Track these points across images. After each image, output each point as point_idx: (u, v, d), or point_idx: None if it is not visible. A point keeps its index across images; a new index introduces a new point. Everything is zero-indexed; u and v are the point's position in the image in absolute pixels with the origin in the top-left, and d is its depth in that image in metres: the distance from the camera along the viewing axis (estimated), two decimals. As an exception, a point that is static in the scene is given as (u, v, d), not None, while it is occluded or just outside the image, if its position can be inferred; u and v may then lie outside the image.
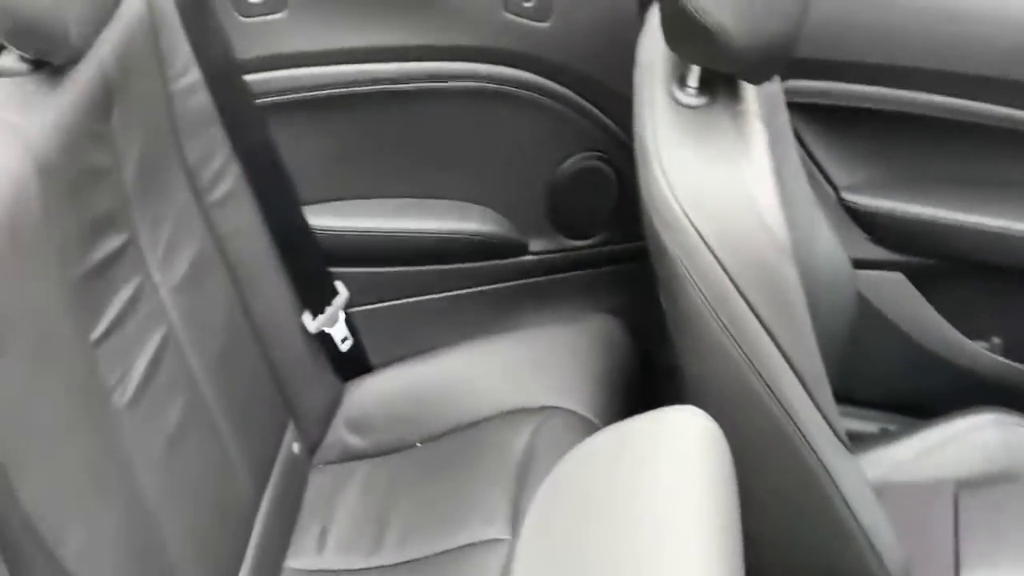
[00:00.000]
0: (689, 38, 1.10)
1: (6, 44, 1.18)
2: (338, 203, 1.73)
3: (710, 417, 1.01)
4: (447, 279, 1.80)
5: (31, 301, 1.14)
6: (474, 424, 1.71)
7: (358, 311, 1.78)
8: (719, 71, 1.14)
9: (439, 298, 1.82)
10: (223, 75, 1.50)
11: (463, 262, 1.79)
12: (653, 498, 0.92)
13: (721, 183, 1.10)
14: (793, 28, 1.09)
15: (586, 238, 1.82)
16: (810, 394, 1.14)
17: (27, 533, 1.10)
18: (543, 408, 1.69)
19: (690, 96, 1.17)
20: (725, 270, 1.08)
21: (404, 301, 1.82)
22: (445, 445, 1.71)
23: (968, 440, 1.59)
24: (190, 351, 1.43)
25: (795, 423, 1.14)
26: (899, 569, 1.26)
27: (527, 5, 1.57)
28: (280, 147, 1.61)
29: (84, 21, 1.18)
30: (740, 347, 1.11)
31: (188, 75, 1.45)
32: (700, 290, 1.10)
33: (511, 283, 1.83)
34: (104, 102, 1.28)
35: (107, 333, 1.27)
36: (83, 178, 1.24)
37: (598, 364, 1.81)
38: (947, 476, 1.54)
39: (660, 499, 0.91)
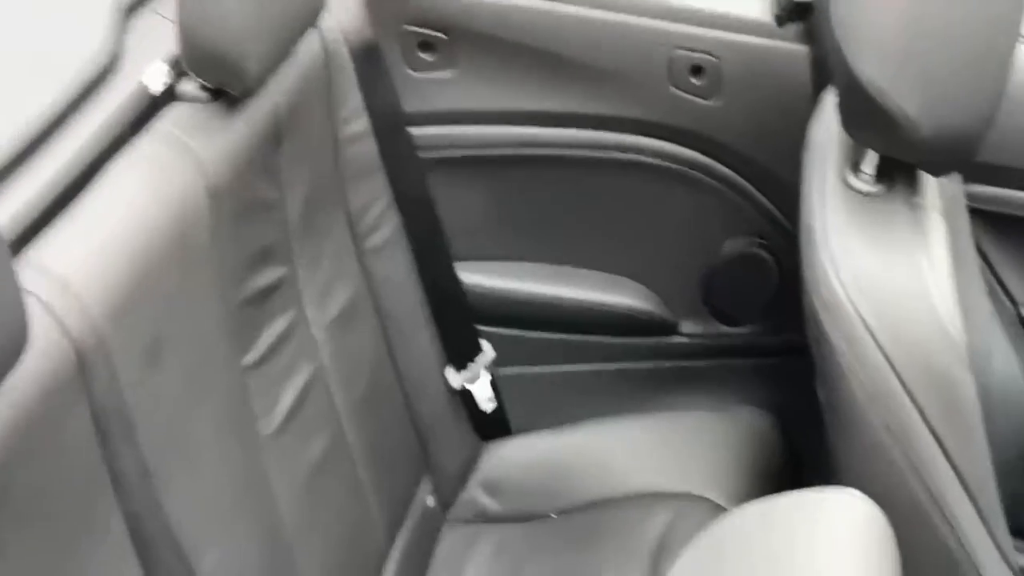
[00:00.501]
0: (868, 122, 1.06)
1: (188, 72, 1.23)
2: (490, 262, 1.74)
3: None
4: (593, 351, 1.78)
5: (192, 320, 1.17)
6: (610, 502, 1.67)
7: (502, 373, 1.78)
8: (898, 159, 1.09)
9: (584, 370, 1.80)
10: (390, 126, 1.54)
11: (611, 336, 1.77)
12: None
13: (894, 274, 1.05)
14: (983, 124, 1.03)
15: (740, 325, 1.77)
16: (982, 516, 1.06)
17: (168, 544, 1.11)
18: (681, 495, 1.64)
19: (865, 182, 1.12)
20: (892, 365, 1.02)
21: (548, 369, 1.81)
22: (579, 519, 1.67)
23: None
24: (336, 390, 1.45)
25: (963, 545, 1.06)
26: None
27: (695, 82, 1.55)
28: (438, 201, 1.63)
29: (263, 57, 1.22)
30: (903, 450, 1.04)
31: (356, 123, 1.49)
32: (862, 383, 1.04)
33: (658, 363, 1.79)
34: (275, 137, 1.32)
35: (259, 361, 1.30)
36: (250, 208, 1.28)
37: (743, 457, 1.74)
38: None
39: None
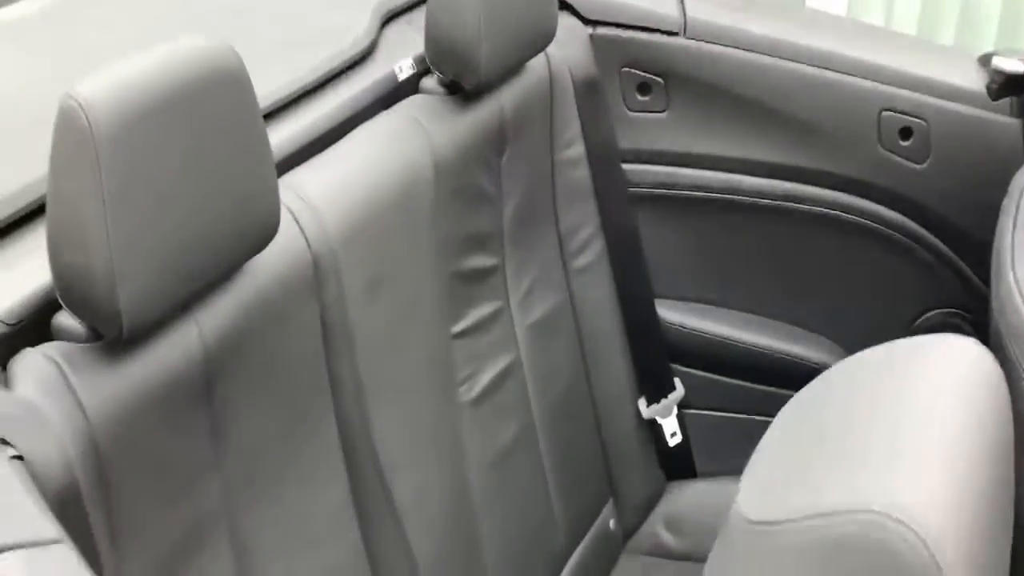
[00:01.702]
0: None
1: (431, 67, 1.43)
2: (686, 303, 1.79)
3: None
4: (780, 403, 1.79)
5: (409, 271, 1.33)
6: None
7: (691, 413, 1.82)
8: None
9: (767, 421, 1.81)
10: (603, 157, 1.64)
11: (792, 388, 1.77)
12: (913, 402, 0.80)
13: None
14: None
15: None
16: None
17: (370, 456, 1.24)
18: None
19: None
20: None
21: (736, 416, 1.82)
22: None
23: None
24: (532, 388, 1.55)
25: None
26: None
27: (903, 144, 1.56)
28: (642, 236, 1.71)
29: (494, 59, 1.39)
30: None
31: (573, 149, 1.61)
32: None
33: None
34: (498, 140, 1.47)
35: (464, 333, 1.43)
36: (470, 193, 1.43)
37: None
38: None
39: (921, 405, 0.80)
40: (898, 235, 1.63)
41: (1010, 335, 1.04)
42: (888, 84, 1.56)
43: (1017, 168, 1.47)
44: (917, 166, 1.58)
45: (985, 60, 1.56)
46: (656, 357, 1.78)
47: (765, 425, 1.79)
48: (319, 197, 1.19)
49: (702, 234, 1.74)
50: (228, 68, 0.99)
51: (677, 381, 1.79)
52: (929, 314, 1.68)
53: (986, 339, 1.61)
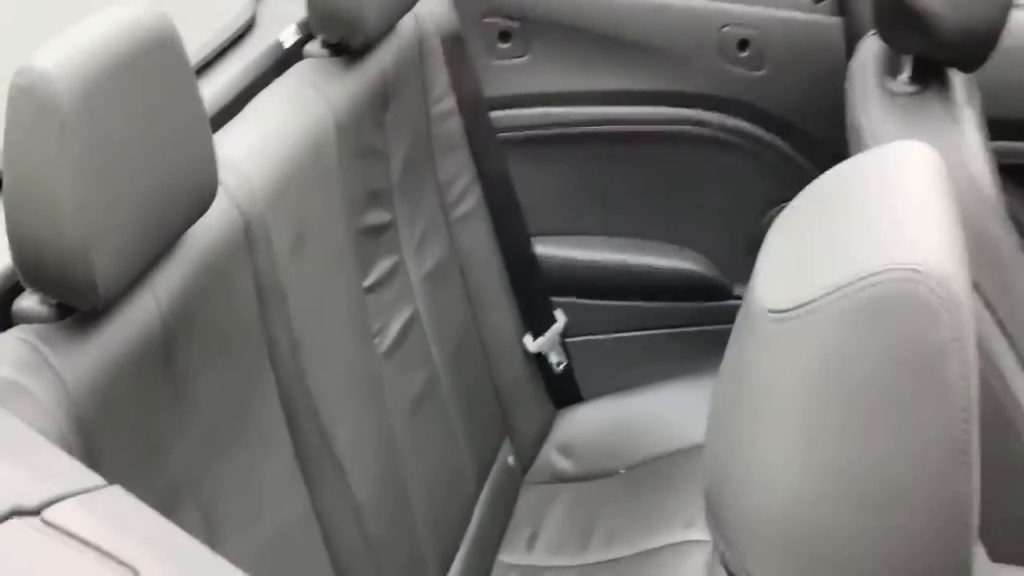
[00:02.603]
0: (903, 27, 1.22)
1: (314, 33, 1.44)
2: (562, 236, 1.88)
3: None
4: (655, 317, 1.91)
5: (326, 226, 1.36)
6: (672, 454, 1.77)
7: (573, 341, 1.91)
8: (931, 60, 1.25)
9: (647, 335, 1.92)
10: (473, 107, 1.70)
11: (670, 301, 1.90)
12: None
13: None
14: (1001, 15, 1.19)
15: None
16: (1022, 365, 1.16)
17: (310, 413, 1.26)
18: None
19: (903, 85, 1.30)
20: None
21: (614, 336, 1.93)
22: (646, 470, 1.78)
23: None
24: (431, 337, 1.59)
25: (1009, 389, 1.17)
26: None
27: (742, 55, 1.71)
28: (515, 179, 1.77)
29: (377, 17, 1.42)
30: None
31: (445, 102, 1.66)
32: None
33: (713, 326, 1.91)
34: (383, 97, 1.50)
35: (372, 287, 1.46)
36: (365, 150, 1.46)
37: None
38: None
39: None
40: (746, 141, 1.78)
41: None
42: (725, 2, 1.70)
43: (841, 61, 1.64)
44: (756, 73, 1.72)
45: None
46: (537, 293, 1.85)
47: (641, 339, 1.92)
48: (243, 160, 1.21)
49: (570, 168, 1.83)
50: (166, 34, 1.00)
51: (558, 312, 1.88)
52: (777, 208, 1.81)
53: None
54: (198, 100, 1.05)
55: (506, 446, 1.79)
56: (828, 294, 0.61)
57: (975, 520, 0.61)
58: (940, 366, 0.59)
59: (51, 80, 0.88)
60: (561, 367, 1.89)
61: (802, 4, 1.69)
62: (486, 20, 1.74)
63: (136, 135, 0.96)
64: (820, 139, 1.74)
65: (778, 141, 1.77)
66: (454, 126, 1.68)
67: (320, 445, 1.28)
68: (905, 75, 1.31)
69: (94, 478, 0.79)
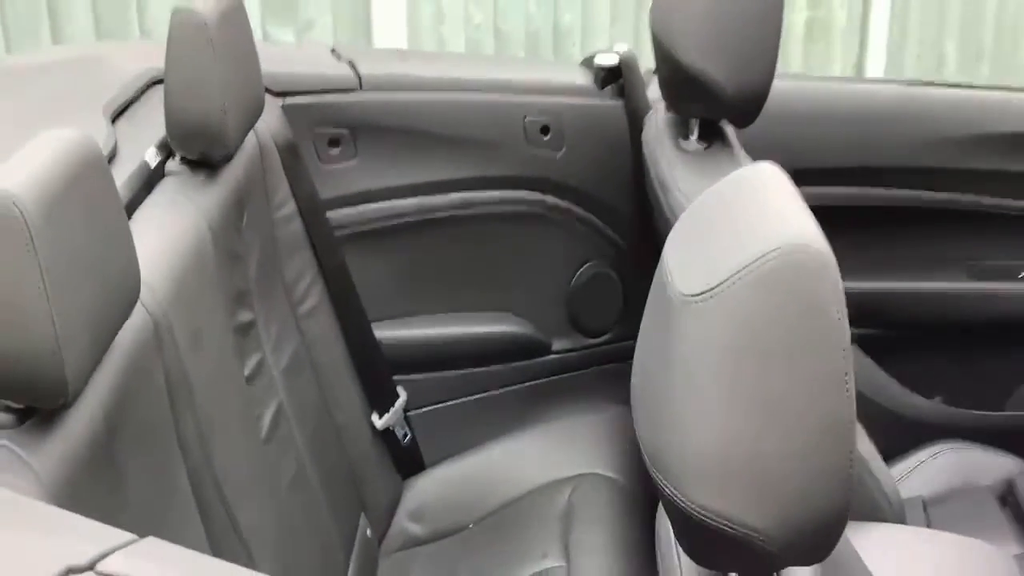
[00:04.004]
0: (689, 95, 1.48)
1: (174, 150, 1.52)
2: (400, 319, 1.99)
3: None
4: (487, 380, 2.05)
5: (214, 323, 1.44)
6: (519, 499, 1.90)
7: (415, 414, 2.03)
8: (714, 119, 1.51)
9: (481, 398, 2.06)
10: (311, 210, 1.79)
11: (499, 363, 2.05)
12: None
13: None
14: (768, 79, 1.47)
15: (600, 336, 2.09)
16: None
17: (217, 498, 1.32)
18: (575, 476, 1.91)
19: (694, 144, 1.57)
20: None
21: (452, 403, 2.05)
22: (495, 520, 1.89)
23: (930, 465, 1.85)
24: (294, 426, 1.67)
25: None
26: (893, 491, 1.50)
27: (545, 139, 1.91)
28: (353, 271, 1.88)
29: (236, 130, 1.52)
30: None
31: (286, 207, 1.75)
32: None
33: (540, 380, 2.09)
34: (238, 205, 1.59)
35: (249, 379, 1.54)
36: (231, 254, 1.54)
37: (617, 441, 2.06)
38: (916, 495, 1.80)
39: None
40: (553, 213, 1.97)
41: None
42: (526, 94, 1.90)
43: (625, 136, 1.89)
44: (557, 154, 1.92)
45: (588, 62, 1.95)
46: (379, 374, 1.96)
47: (474, 403, 2.07)
48: (141, 267, 1.26)
49: (402, 256, 1.95)
50: (95, 154, 1.10)
51: (400, 389, 1.99)
52: (582, 268, 2.03)
53: (626, 276, 2.02)
54: (123, 212, 1.14)
55: (363, 520, 1.87)
56: (735, 273, 0.76)
57: (855, 438, 0.78)
58: (825, 316, 0.76)
59: (18, 200, 0.96)
60: (406, 439, 2.00)
61: (591, 91, 1.91)
62: (317, 130, 1.85)
63: (81, 245, 1.04)
64: (613, 203, 1.96)
65: (579, 209, 1.97)
66: (296, 228, 1.78)
67: (229, 528, 1.35)
68: (694, 136, 1.58)
69: (125, 534, 0.86)
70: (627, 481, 1.94)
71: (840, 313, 0.77)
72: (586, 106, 1.92)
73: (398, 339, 1.99)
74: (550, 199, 1.96)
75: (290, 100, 1.81)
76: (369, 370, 1.93)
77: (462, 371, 2.04)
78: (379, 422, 1.94)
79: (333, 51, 1.91)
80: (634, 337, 2.13)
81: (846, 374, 0.77)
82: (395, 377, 1.99)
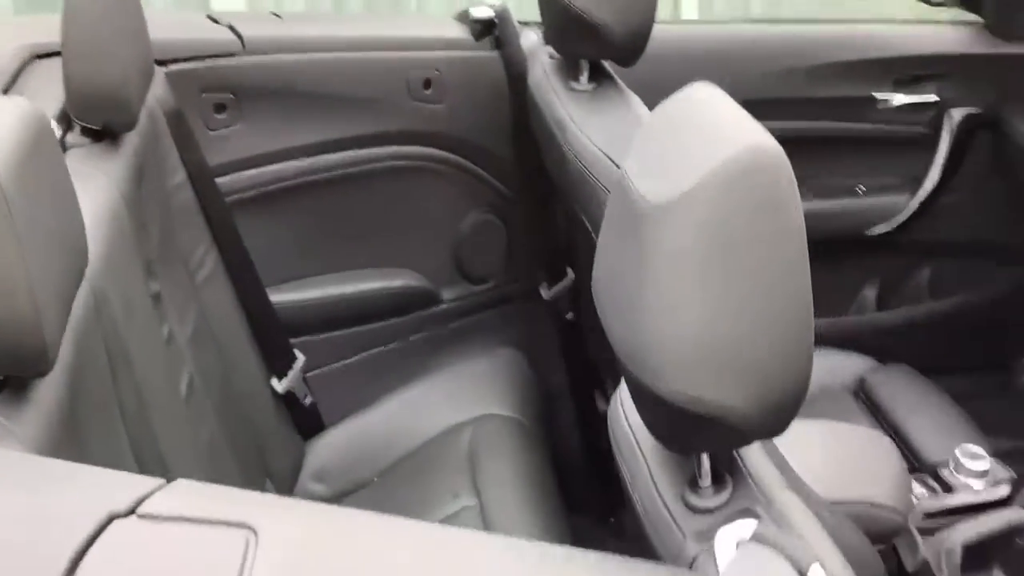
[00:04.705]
0: (578, 40, 1.56)
1: (75, 121, 1.47)
2: (295, 281, 1.98)
3: None
4: (380, 335, 2.07)
5: (141, 292, 1.42)
6: (420, 447, 1.94)
7: (314, 375, 2.02)
8: (603, 59, 1.60)
9: (376, 354, 2.08)
10: (200, 177, 1.76)
11: (390, 317, 2.07)
12: None
13: (623, 130, 1.52)
14: (649, 20, 1.55)
15: (486, 283, 2.13)
16: None
17: (158, 462, 1.34)
18: (474, 418, 1.97)
19: (584, 85, 1.64)
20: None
21: (348, 361, 2.06)
22: (399, 470, 1.92)
23: None
24: (202, 394, 1.65)
25: None
26: None
27: (427, 92, 1.92)
28: (247, 237, 1.85)
29: (137, 98, 1.49)
30: None
31: (177, 175, 1.71)
32: None
33: (432, 331, 2.11)
34: (138, 176, 1.55)
35: (165, 343, 1.52)
36: (140, 224, 1.51)
37: (508, 380, 2.12)
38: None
39: None
40: (437, 165, 1.98)
41: (590, 165, 1.51)
42: (408, 50, 1.90)
43: (503, 86, 1.92)
44: (439, 106, 1.94)
45: (463, 16, 1.97)
46: (277, 338, 1.95)
47: (371, 359, 2.08)
48: None
49: (293, 218, 1.93)
50: (46, 123, 1.08)
51: (297, 351, 1.99)
52: (467, 217, 2.07)
53: (510, 223, 2.07)
54: (70, 181, 1.13)
55: (268, 485, 1.86)
56: (704, 178, 0.82)
57: (812, 318, 0.86)
58: (786, 210, 0.83)
59: None
60: (307, 401, 2.00)
61: (468, 44, 1.94)
62: (202, 96, 1.80)
63: (46, 213, 1.03)
64: (494, 151, 2.00)
65: (463, 160, 1.99)
66: (188, 197, 1.74)
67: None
68: (584, 77, 1.65)
69: (153, 478, 0.86)
70: (523, 418, 2.01)
71: (796, 207, 0.84)
72: (465, 58, 1.94)
73: (292, 302, 1.98)
74: (434, 151, 1.97)
75: (174, 67, 1.76)
76: (266, 335, 1.91)
77: (356, 328, 2.05)
78: (279, 386, 1.93)
79: (209, 16, 1.87)
80: (517, 281, 2.19)
81: (804, 256, 0.85)
82: (292, 340, 1.98)
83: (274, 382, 1.92)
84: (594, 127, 1.54)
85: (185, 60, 1.78)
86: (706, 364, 0.83)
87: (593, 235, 1.59)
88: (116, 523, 0.80)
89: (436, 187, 2.01)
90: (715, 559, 0.83)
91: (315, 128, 1.89)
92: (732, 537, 0.81)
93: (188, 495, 0.85)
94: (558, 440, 2.10)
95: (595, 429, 2.22)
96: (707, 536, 0.92)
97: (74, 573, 0.75)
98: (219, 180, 1.82)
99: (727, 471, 0.97)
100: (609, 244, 0.94)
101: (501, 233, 2.09)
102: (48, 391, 1.05)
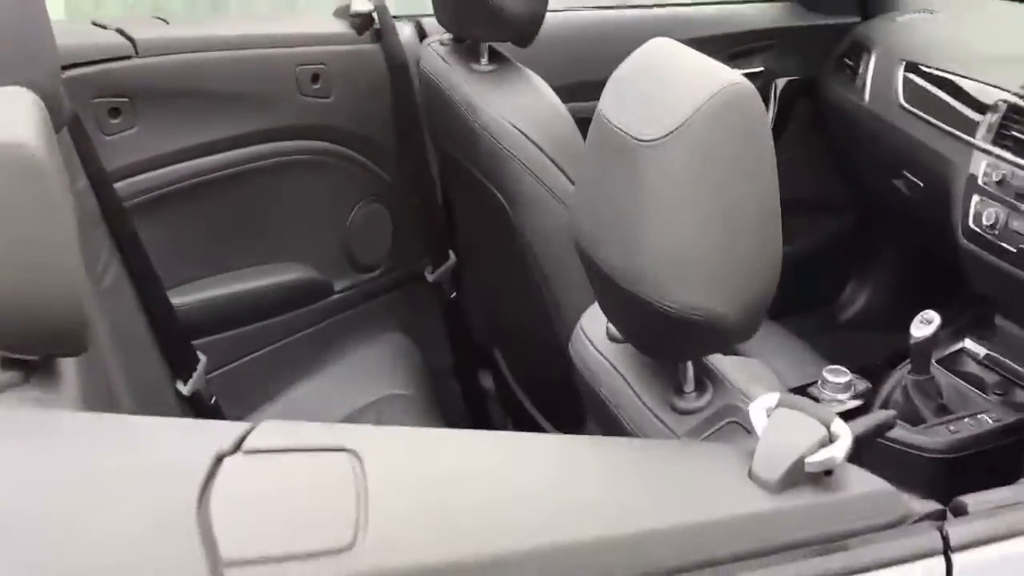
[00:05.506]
0: (479, 22, 1.66)
1: None
2: (195, 282, 1.97)
3: None
4: (277, 330, 2.08)
5: None
6: None
7: (215, 375, 2.00)
8: (502, 41, 1.70)
9: (274, 349, 2.08)
10: (100, 184, 1.71)
11: (286, 312, 2.08)
12: None
13: (529, 104, 1.63)
14: (543, 2, 1.66)
15: (373, 270, 2.17)
16: None
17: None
18: (376, 400, 2.06)
19: (485, 66, 1.73)
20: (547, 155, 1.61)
21: (248, 358, 2.05)
22: None
23: None
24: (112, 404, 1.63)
25: None
26: None
27: (315, 87, 1.95)
28: (149, 240, 1.82)
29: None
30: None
31: (80, 182, 1.66)
32: (534, 174, 1.60)
33: (326, 322, 2.14)
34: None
35: None
36: None
37: (402, 365, 2.19)
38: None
39: None
40: (327, 158, 2.01)
41: (503, 141, 1.64)
42: (295, 46, 1.93)
43: (384, 77, 1.98)
44: (326, 100, 1.97)
45: (342, 11, 2.00)
46: (179, 341, 1.93)
47: (270, 354, 2.09)
48: None
49: (189, 219, 1.91)
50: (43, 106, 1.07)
51: (200, 353, 1.97)
52: (356, 208, 2.10)
53: (396, 211, 2.12)
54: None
55: None
56: (691, 114, 0.92)
57: (780, 230, 0.98)
58: (762, 137, 0.94)
59: (35, 148, 0.94)
60: (212, 401, 1.99)
61: (350, 38, 1.98)
62: (95, 100, 1.77)
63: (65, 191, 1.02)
64: (379, 141, 2.05)
65: (350, 151, 2.03)
66: (91, 204, 1.70)
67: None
68: (485, 58, 1.74)
69: (239, 424, 0.88)
70: (418, 394, 2.10)
71: (768, 134, 0.96)
72: (349, 52, 1.98)
73: (190, 303, 1.96)
74: (324, 144, 2.00)
75: (67, 73, 1.72)
76: (169, 339, 1.89)
77: (254, 325, 2.05)
78: (185, 389, 1.91)
79: (94, 22, 1.83)
80: (404, 268, 2.24)
81: (775, 179, 0.97)
82: (194, 342, 1.96)
83: (179, 385, 1.90)
84: (501, 104, 1.63)
85: (79, 66, 1.74)
86: (700, 274, 0.95)
87: (506, 206, 1.68)
88: (227, 461, 0.82)
89: (325, 180, 2.03)
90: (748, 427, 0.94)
91: (209, 127, 1.88)
92: (762, 407, 0.92)
93: (282, 432, 0.88)
94: (447, 415, 2.17)
95: (480, 404, 2.31)
96: (698, 433, 1.04)
97: (205, 511, 0.77)
98: (117, 185, 1.79)
99: (705, 376, 1.09)
100: (590, 182, 1.04)
101: (386, 221, 2.14)
102: (70, 373, 1.03)
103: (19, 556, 0.75)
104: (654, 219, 0.95)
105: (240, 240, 2.00)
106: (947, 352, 1.98)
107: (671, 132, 0.93)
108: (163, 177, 1.87)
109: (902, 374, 1.86)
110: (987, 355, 1.95)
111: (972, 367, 1.96)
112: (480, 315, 2.20)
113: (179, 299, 1.93)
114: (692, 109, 0.93)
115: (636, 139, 0.96)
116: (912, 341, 1.79)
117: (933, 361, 1.87)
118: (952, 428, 1.79)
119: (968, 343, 1.98)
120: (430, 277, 2.16)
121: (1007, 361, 1.91)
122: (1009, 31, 2.18)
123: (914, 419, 1.82)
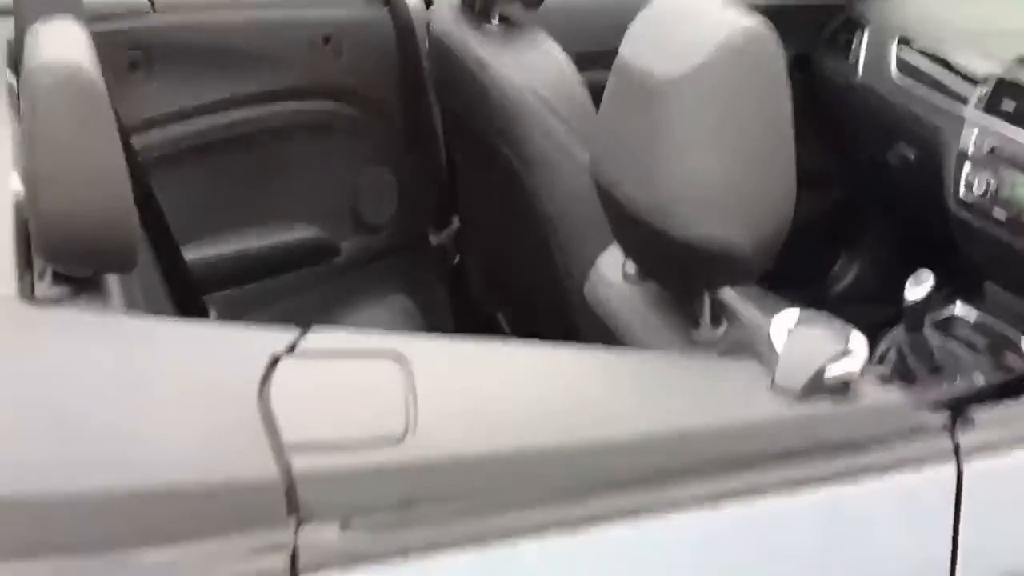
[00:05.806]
0: None
1: None
2: (210, 237, 2.00)
3: None
4: (285, 289, 2.11)
5: None
6: None
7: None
8: (510, 2, 1.75)
9: (281, 306, 2.10)
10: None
11: (293, 270, 2.12)
12: None
13: (539, 62, 1.66)
14: None
15: (380, 232, 2.21)
16: None
17: None
18: None
19: (495, 28, 1.78)
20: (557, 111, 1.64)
21: (257, 314, 2.07)
22: None
23: None
24: None
25: None
26: None
27: (327, 48, 1.99)
28: (163, 195, 1.83)
29: None
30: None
31: None
32: (543, 129, 1.64)
33: (331, 283, 2.16)
34: None
35: None
36: None
37: (408, 325, 2.20)
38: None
39: None
40: (337, 119, 2.06)
41: (515, 95, 1.67)
42: (308, 7, 1.97)
43: (391, 40, 2.02)
44: (337, 62, 2.01)
45: None
46: (192, 294, 1.95)
47: (283, 309, 2.11)
48: None
49: (200, 175, 1.95)
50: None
51: (211, 308, 2.00)
52: (364, 169, 2.14)
53: (399, 174, 2.15)
54: None
55: None
56: (712, 53, 0.96)
57: (794, 165, 1.02)
58: (779, 76, 0.99)
59: (88, 72, 0.98)
60: (220, 358, 2.01)
61: (360, 2, 2.03)
62: (113, 55, 1.78)
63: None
64: (387, 103, 2.09)
65: (359, 112, 2.07)
66: None
67: None
68: (495, 20, 1.79)
69: (289, 330, 0.91)
70: None
71: (783, 72, 1.00)
72: (360, 16, 2.02)
73: (201, 258, 1.99)
74: (333, 105, 2.03)
75: (89, 28, 1.74)
76: (181, 292, 1.92)
77: (263, 282, 2.08)
78: (194, 344, 1.94)
79: None
80: (409, 230, 2.27)
81: (790, 115, 1.01)
82: (212, 294, 1.99)
83: (189, 340, 1.93)
84: (512, 62, 1.67)
85: (97, 20, 1.76)
86: (719, 206, 0.99)
87: (513, 161, 1.72)
88: (283, 361, 0.86)
89: (334, 141, 2.07)
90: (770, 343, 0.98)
91: (224, 85, 1.92)
92: (783, 323, 0.96)
93: (331, 337, 0.92)
94: None
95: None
96: None
97: (266, 402, 0.82)
98: (134, 139, 1.82)
99: (720, 312, 1.13)
100: (611, 124, 1.09)
101: (392, 183, 2.17)
102: (116, 288, 1.06)
103: (91, 453, 0.79)
104: (675, 153, 0.99)
105: (249, 198, 2.03)
106: (939, 317, 2.04)
107: (692, 69, 0.97)
108: (175, 133, 1.90)
109: (897, 332, 1.91)
110: (978, 318, 2.00)
111: (963, 331, 2.01)
112: (484, 278, 2.24)
113: (188, 255, 1.95)
114: (713, 47, 0.97)
115: (658, 77, 1.00)
116: (906, 300, 1.84)
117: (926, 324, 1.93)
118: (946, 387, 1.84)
119: (959, 307, 2.04)
120: (434, 240, 2.20)
121: (997, 324, 1.96)
122: (1000, 6, 2.23)
123: (908, 378, 1.87)
